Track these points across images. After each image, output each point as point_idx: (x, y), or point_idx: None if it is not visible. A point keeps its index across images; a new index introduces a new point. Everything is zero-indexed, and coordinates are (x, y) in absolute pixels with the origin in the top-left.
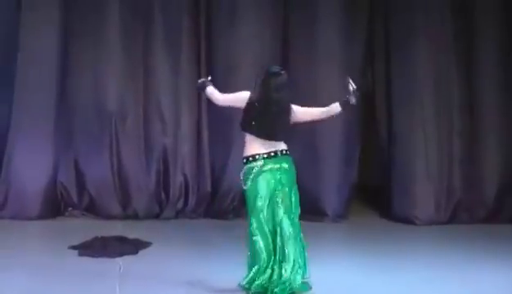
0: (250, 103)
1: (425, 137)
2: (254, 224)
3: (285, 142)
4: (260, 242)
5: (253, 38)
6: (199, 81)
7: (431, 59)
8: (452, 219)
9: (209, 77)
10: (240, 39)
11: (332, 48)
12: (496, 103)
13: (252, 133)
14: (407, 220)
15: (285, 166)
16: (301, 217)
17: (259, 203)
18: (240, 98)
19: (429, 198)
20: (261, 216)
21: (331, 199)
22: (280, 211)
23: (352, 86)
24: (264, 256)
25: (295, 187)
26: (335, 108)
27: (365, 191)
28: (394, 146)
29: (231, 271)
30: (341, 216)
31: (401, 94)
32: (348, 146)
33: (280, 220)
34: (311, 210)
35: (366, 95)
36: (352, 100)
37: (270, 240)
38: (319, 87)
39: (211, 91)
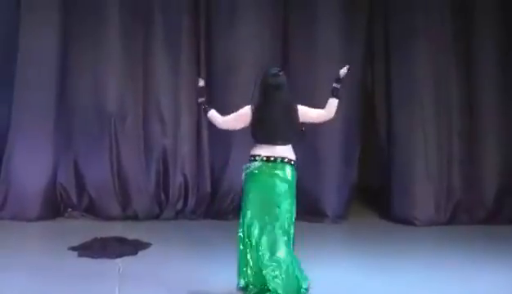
0: (254, 110)
1: (425, 137)
2: (242, 228)
3: (297, 141)
4: (247, 253)
5: (253, 38)
6: (199, 100)
7: (431, 59)
8: (452, 220)
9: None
10: (240, 39)
11: (332, 48)
12: (496, 103)
13: (257, 141)
14: (407, 221)
15: (279, 173)
16: (301, 218)
17: (248, 203)
18: (241, 116)
19: (429, 199)
20: (248, 215)
21: (331, 200)
22: (264, 217)
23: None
24: (245, 262)
25: (289, 195)
26: (332, 102)
27: (365, 192)
28: (394, 146)
29: (231, 272)
30: (341, 217)
31: (400, 94)
32: (347, 146)
33: (258, 224)
34: (311, 210)
35: (366, 95)
36: (337, 86)
37: (255, 243)
38: (319, 87)
39: (212, 114)
